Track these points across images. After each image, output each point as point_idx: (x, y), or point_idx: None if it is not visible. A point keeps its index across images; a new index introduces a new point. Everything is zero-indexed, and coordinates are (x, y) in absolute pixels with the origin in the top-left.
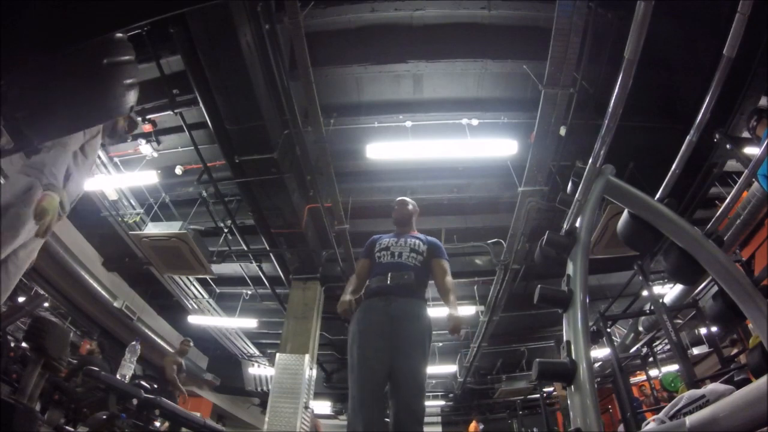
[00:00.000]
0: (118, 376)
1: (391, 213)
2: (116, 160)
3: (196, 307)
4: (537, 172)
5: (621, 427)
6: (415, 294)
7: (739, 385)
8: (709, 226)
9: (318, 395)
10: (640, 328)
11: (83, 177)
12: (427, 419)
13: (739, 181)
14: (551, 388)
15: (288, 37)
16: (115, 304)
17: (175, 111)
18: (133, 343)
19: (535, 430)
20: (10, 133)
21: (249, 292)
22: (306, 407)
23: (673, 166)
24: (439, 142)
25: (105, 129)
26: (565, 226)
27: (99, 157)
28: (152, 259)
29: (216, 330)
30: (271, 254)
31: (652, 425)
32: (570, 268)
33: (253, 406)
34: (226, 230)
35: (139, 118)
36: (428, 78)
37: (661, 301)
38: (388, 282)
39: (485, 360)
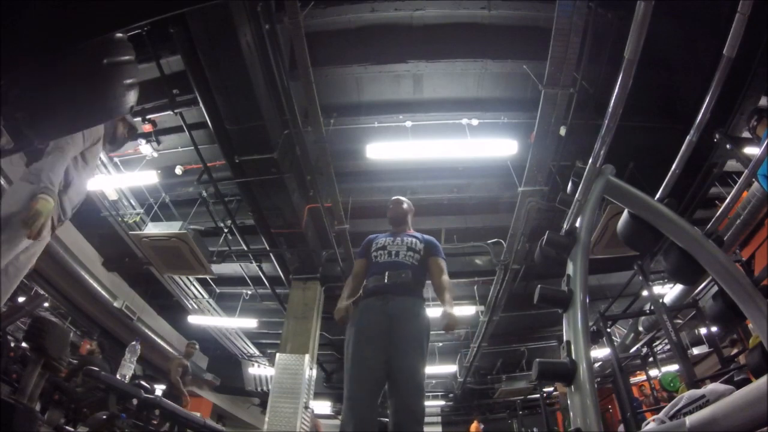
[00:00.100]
0: (118, 376)
1: (386, 212)
2: (116, 160)
3: (196, 307)
4: (537, 172)
5: (621, 428)
6: (412, 292)
7: (739, 385)
8: (709, 226)
9: (318, 395)
10: (640, 328)
11: (84, 183)
12: (427, 419)
13: (739, 181)
14: (551, 388)
15: (288, 37)
16: (115, 304)
17: (175, 111)
18: (133, 343)
19: (535, 430)
20: (10, 133)
21: (249, 292)
22: (306, 407)
23: (673, 166)
24: (439, 142)
25: (106, 136)
26: (565, 226)
27: (99, 158)
28: (152, 259)
29: (216, 330)
30: (271, 254)
31: (652, 425)
32: (570, 268)
33: (253, 406)
34: (226, 230)
35: (139, 120)
36: (428, 78)
37: (661, 301)
38: (386, 281)
39: (485, 360)
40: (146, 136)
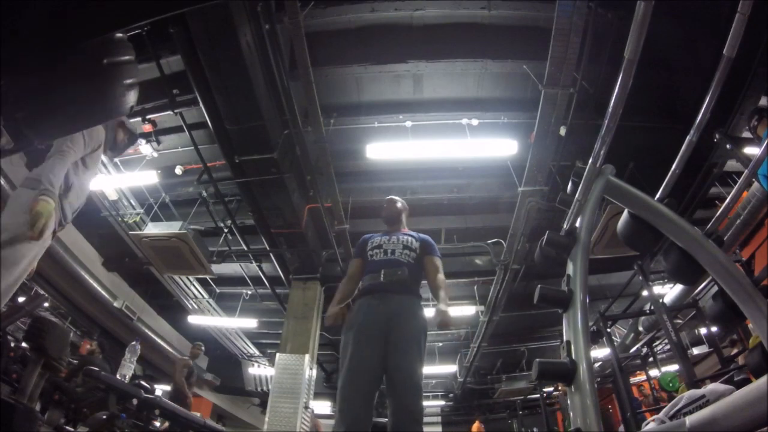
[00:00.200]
0: (118, 376)
1: (381, 212)
2: (116, 160)
3: (196, 307)
4: (537, 172)
5: (621, 428)
6: (409, 290)
7: (739, 385)
8: (709, 226)
9: (318, 395)
10: (640, 328)
11: (85, 187)
12: (427, 419)
13: (739, 181)
14: (551, 388)
15: (288, 37)
16: (115, 304)
17: (175, 111)
18: (133, 343)
19: (535, 430)
20: (10, 133)
21: (249, 292)
22: (306, 407)
23: (673, 166)
24: (439, 142)
25: (107, 143)
26: (565, 226)
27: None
28: (152, 259)
29: (216, 330)
30: (271, 254)
31: (652, 425)
32: (570, 268)
33: (253, 406)
34: (226, 230)
35: (138, 120)
36: (428, 78)
37: (661, 301)
38: (382, 279)
39: (485, 360)
40: (146, 136)
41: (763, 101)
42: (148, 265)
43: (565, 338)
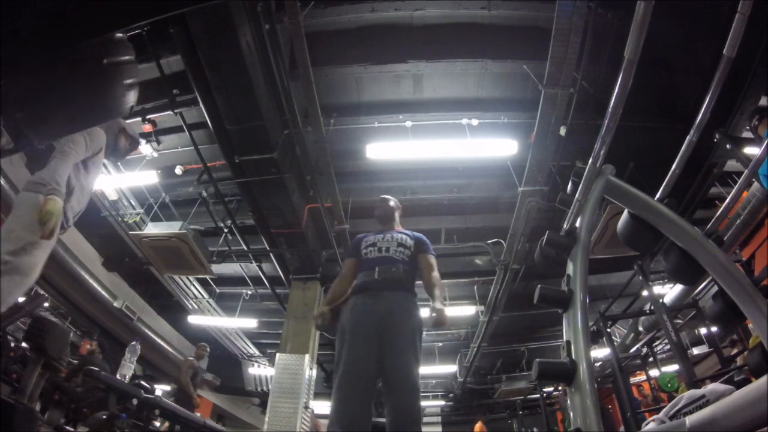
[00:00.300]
0: (118, 376)
1: (374, 212)
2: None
3: (196, 307)
4: (537, 172)
5: (622, 428)
6: (404, 288)
7: (739, 385)
8: (709, 226)
9: (318, 395)
10: (640, 328)
11: (86, 191)
12: (427, 419)
13: (739, 181)
14: (551, 388)
15: (288, 37)
16: (115, 304)
17: (175, 111)
18: (133, 343)
19: (535, 430)
20: (10, 133)
21: (249, 292)
22: (306, 407)
23: (673, 166)
24: (439, 142)
25: (108, 147)
26: (565, 226)
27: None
28: (152, 259)
29: (216, 330)
30: (271, 254)
31: (652, 425)
32: (570, 268)
33: (253, 406)
34: (226, 230)
35: (138, 120)
36: (428, 78)
37: (661, 301)
38: (376, 276)
39: (485, 360)
40: (146, 136)
41: (763, 101)
42: (148, 265)
43: (565, 338)
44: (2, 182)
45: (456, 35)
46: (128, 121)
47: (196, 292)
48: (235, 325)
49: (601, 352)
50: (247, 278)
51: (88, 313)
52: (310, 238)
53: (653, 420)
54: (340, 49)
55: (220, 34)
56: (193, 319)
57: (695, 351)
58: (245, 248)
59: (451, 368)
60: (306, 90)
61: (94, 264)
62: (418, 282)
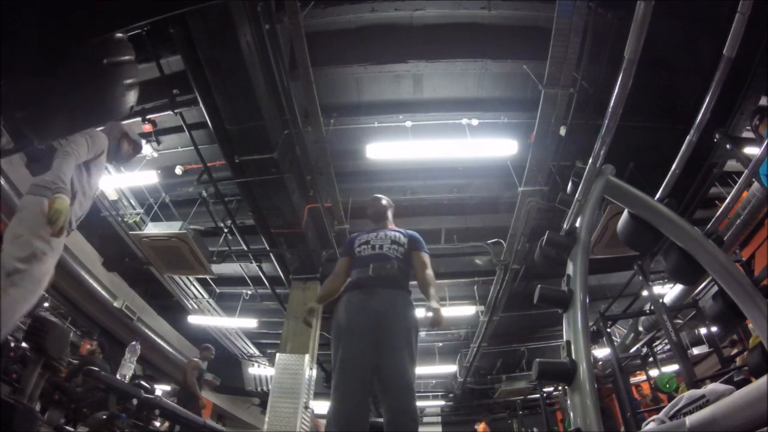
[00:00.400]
0: (118, 376)
1: (366, 211)
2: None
3: (196, 307)
4: (537, 172)
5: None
6: (398, 285)
7: (739, 385)
8: (709, 226)
9: (318, 395)
10: (640, 328)
11: (88, 196)
12: (427, 419)
13: (739, 181)
14: (551, 388)
15: (288, 37)
16: (115, 304)
17: (175, 111)
18: (133, 343)
19: (535, 430)
20: (10, 133)
21: (249, 292)
22: (306, 407)
23: (673, 166)
24: (439, 142)
25: (110, 152)
26: (565, 226)
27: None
28: (152, 259)
29: (216, 330)
30: (271, 254)
31: (652, 425)
32: (570, 268)
33: (253, 406)
34: (226, 230)
35: (139, 121)
36: (428, 78)
37: (661, 301)
38: (370, 272)
39: (485, 360)
40: (146, 136)
41: (763, 101)
42: (148, 265)
43: (565, 338)
44: (2, 182)
45: (456, 35)
46: (128, 121)
47: (196, 292)
48: (235, 325)
49: (601, 352)
50: (247, 278)
51: (88, 313)
52: (310, 238)
53: (653, 420)
54: (340, 49)
55: (220, 34)
56: (193, 319)
57: (695, 351)
58: (245, 248)
59: (451, 368)
60: (306, 90)
61: (94, 264)
62: (413, 282)
